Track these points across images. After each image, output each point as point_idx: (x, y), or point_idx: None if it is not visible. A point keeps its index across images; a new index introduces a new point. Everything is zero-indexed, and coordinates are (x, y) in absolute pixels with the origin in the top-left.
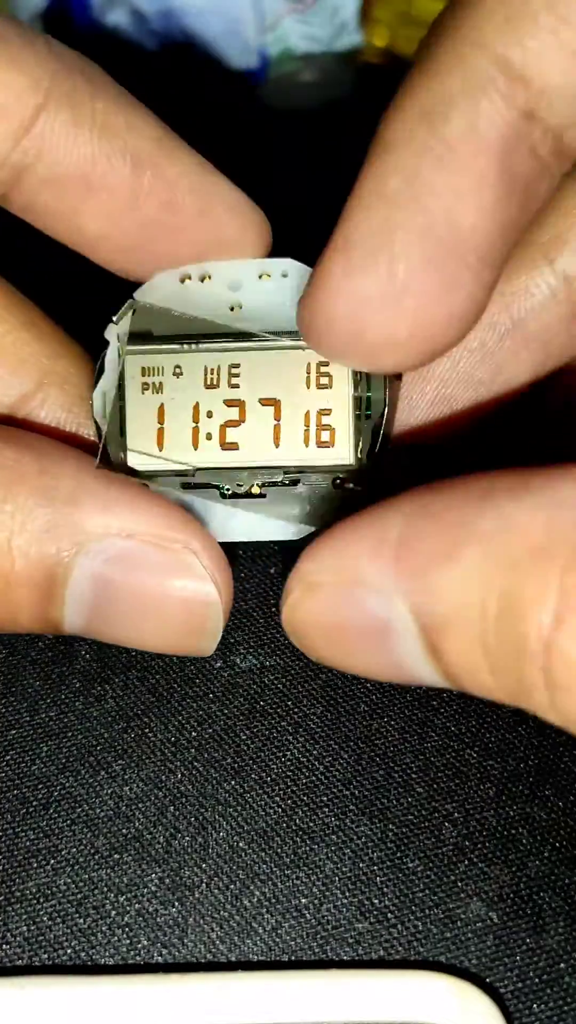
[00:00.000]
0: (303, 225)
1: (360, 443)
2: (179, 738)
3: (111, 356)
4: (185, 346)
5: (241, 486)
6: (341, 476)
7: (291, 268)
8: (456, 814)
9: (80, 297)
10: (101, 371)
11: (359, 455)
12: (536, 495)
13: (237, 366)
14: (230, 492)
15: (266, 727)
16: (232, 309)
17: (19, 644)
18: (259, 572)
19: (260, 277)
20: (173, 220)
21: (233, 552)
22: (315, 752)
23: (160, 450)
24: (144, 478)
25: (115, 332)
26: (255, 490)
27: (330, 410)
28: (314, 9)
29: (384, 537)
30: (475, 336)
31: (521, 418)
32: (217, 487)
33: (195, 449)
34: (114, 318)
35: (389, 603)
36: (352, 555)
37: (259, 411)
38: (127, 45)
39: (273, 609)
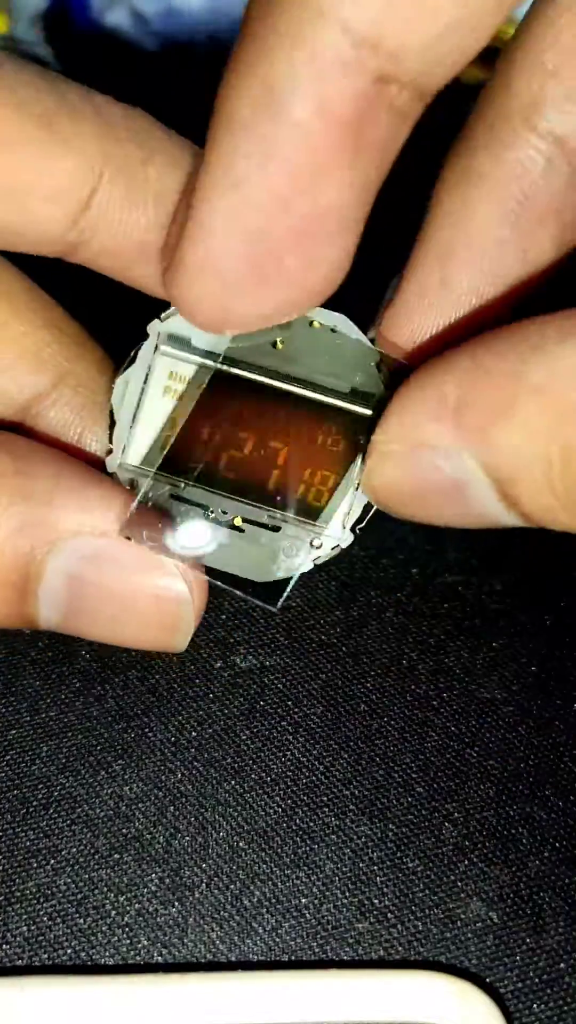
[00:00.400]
0: None
1: (348, 514)
2: (179, 738)
3: (146, 350)
4: (217, 363)
5: (225, 514)
6: (323, 544)
7: (341, 324)
8: (456, 814)
9: (107, 299)
10: (132, 361)
11: (344, 524)
12: None
13: (259, 401)
14: (213, 517)
15: (266, 727)
16: (275, 345)
17: (19, 644)
18: None
19: (310, 324)
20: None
21: None
22: (315, 752)
23: (160, 454)
24: (138, 476)
25: (157, 329)
26: (237, 522)
27: (331, 474)
28: None
29: (443, 399)
30: (489, 232)
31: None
32: (204, 508)
33: (193, 465)
34: (162, 315)
35: (459, 461)
36: (415, 422)
37: (265, 451)
38: (127, 45)
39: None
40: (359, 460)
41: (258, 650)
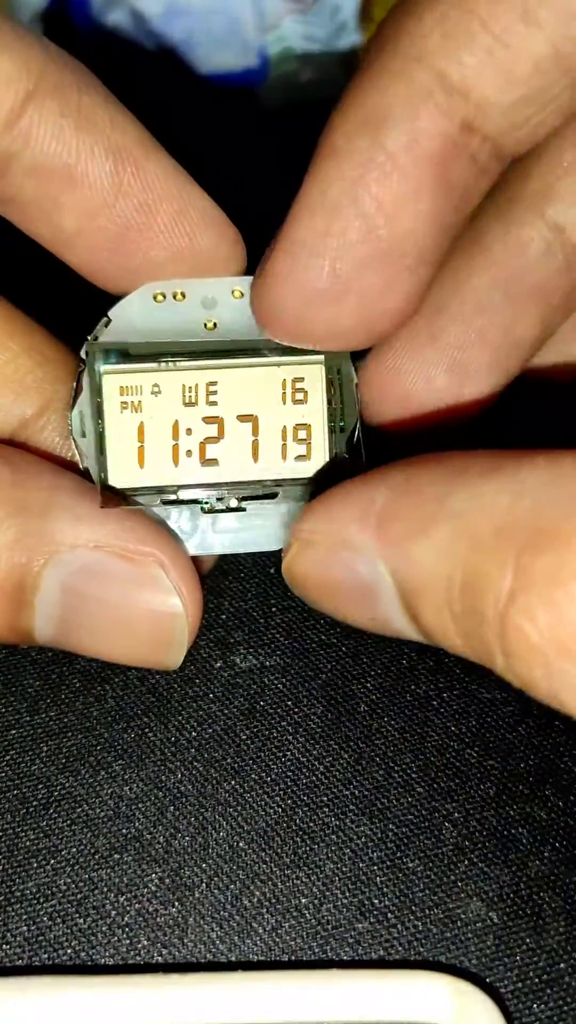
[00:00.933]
0: None
1: (335, 455)
2: (179, 738)
3: (88, 376)
4: (162, 364)
5: (221, 500)
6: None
7: None
8: (456, 814)
9: (69, 310)
10: (79, 391)
11: (334, 464)
12: (503, 479)
13: (214, 383)
14: (210, 507)
15: (266, 727)
16: (207, 326)
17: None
18: (259, 572)
19: (234, 294)
20: (149, 222)
21: (228, 556)
22: (315, 752)
23: (141, 467)
24: (126, 495)
25: (92, 350)
26: (234, 504)
27: (306, 424)
28: (314, 9)
29: (369, 507)
30: (484, 296)
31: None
32: (198, 502)
33: (175, 466)
34: (89, 336)
35: (373, 566)
36: (341, 521)
37: (237, 427)
38: (127, 45)
39: (273, 609)
40: (329, 402)
41: (258, 650)
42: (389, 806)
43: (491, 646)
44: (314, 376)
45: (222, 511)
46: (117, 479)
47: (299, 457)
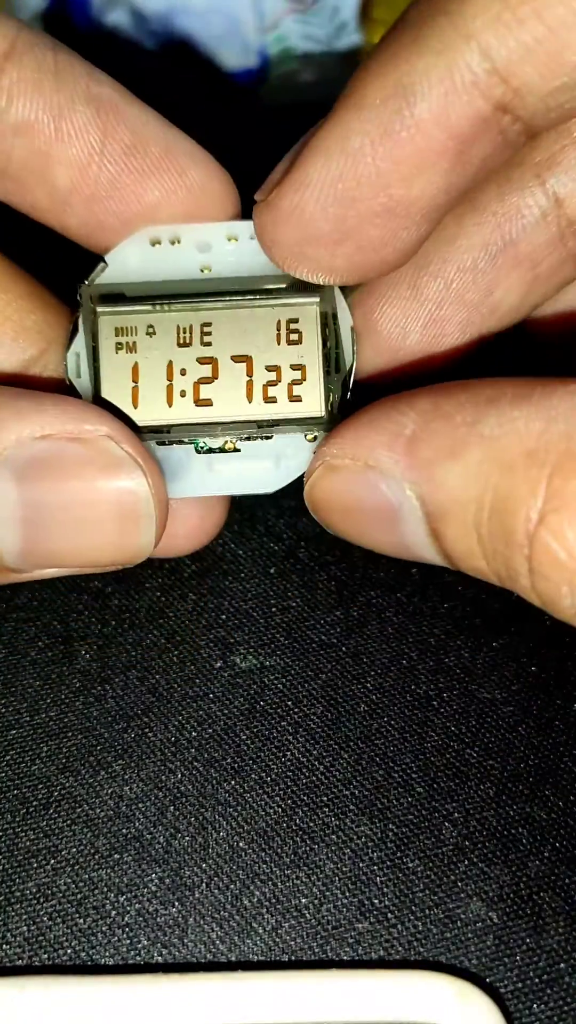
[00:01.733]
0: None
1: (330, 396)
2: (179, 738)
3: (84, 317)
4: (157, 306)
5: (216, 440)
6: (316, 434)
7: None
8: (456, 814)
9: (63, 269)
10: (75, 332)
11: (329, 407)
12: (535, 405)
13: (209, 324)
14: (205, 448)
15: (266, 727)
16: (202, 271)
17: (19, 644)
18: (259, 572)
19: (228, 239)
20: (139, 163)
21: (234, 552)
22: (315, 752)
23: (135, 408)
24: None
25: (88, 293)
26: (229, 445)
27: (300, 365)
28: (314, 9)
29: (399, 431)
30: (468, 256)
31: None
32: (192, 443)
33: (170, 406)
34: (86, 280)
35: (399, 489)
36: (369, 445)
37: (231, 367)
38: (127, 45)
39: (273, 609)
40: (323, 343)
41: (258, 650)
42: (389, 806)
43: (516, 567)
44: (309, 317)
45: (217, 451)
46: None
47: (294, 398)
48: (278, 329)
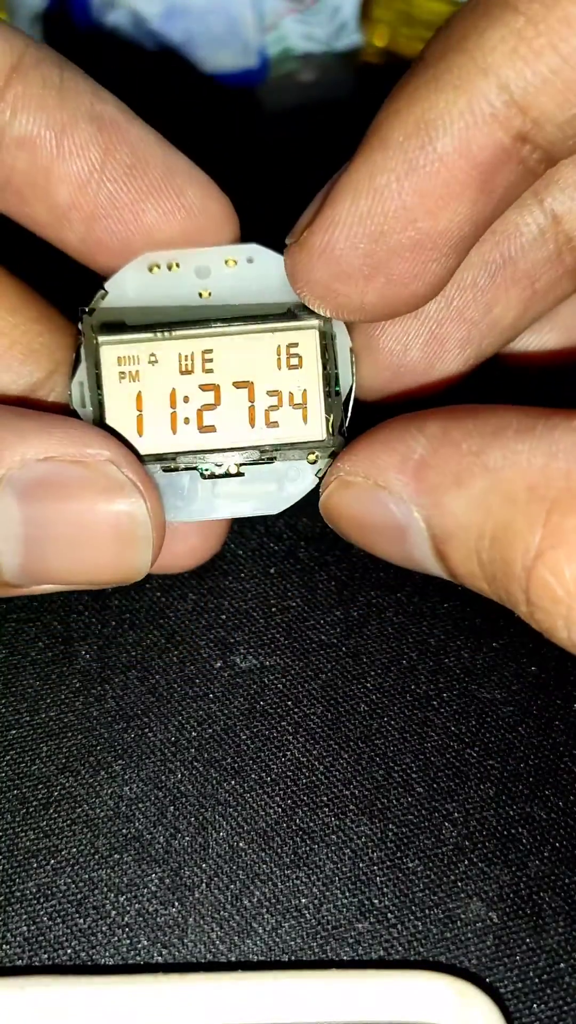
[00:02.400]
0: None
1: (331, 419)
2: (179, 738)
3: (86, 348)
4: (158, 334)
5: (220, 466)
6: (318, 456)
7: (256, 253)
8: (456, 814)
9: (65, 291)
10: (78, 362)
11: (330, 430)
12: (539, 439)
13: (210, 351)
14: (209, 473)
15: (266, 727)
16: (201, 295)
17: (19, 644)
18: (259, 572)
19: (227, 263)
20: (138, 183)
21: (234, 552)
22: (315, 752)
23: (140, 435)
24: None
25: (89, 323)
26: (233, 470)
27: (301, 389)
28: (314, 9)
29: (409, 455)
30: (468, 274)
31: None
32: (197, 469)
33: (174, 434)
34: (86, 308)
35: (407, 510)
36: (381, 465)
37: (233, 394)
38: (127, 45)
39: (273, 609)
40: (323, 366)
41: (258, 650)
42: (389, 806)
43: (515, 595)
44: (308, 342)
45: (221, 476)
46: None
47: (295, 422)
48: (278, 354)
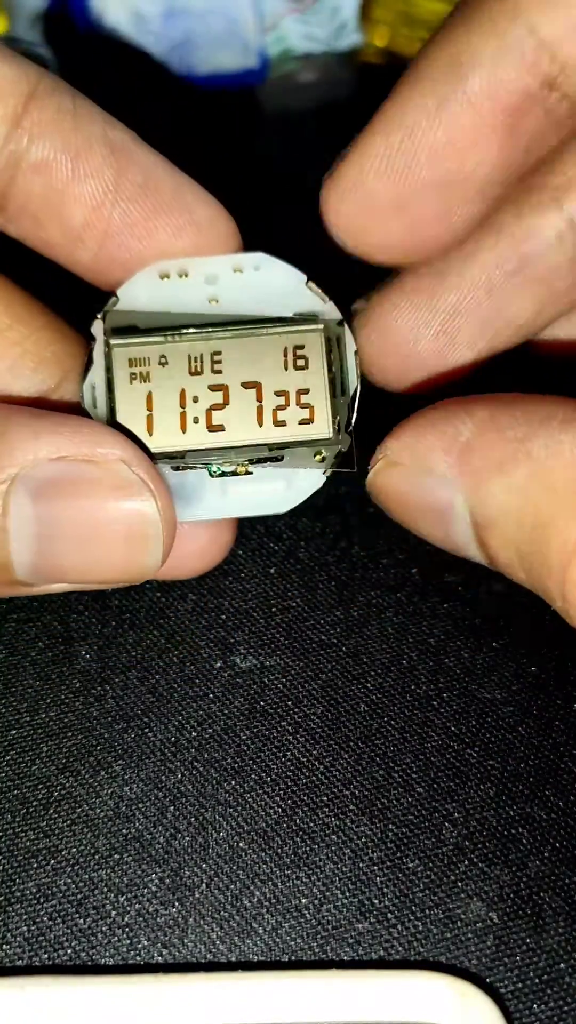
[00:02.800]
0: (302, 224)
1: (338, 418)
2: (179, 738)
3: (98, 351)
4: (168, 337)
5: (229, 465)
6: (325, 454)
7: (263, 261)
8: (456, 814)
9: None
10: (90, 364)
11: (336, 428)
12: None
13: (219, 353)
14: (219, 472)
15: (266, 727)
16: (211, 302)
17: (19, 644)
18: (259, 572)
19: (235, 271)
20: (150, 202)
21: (234, 552)
22: (315, 752)
23: (150, 435)
24: None
25: (101, 327)
26: (242, 469)
27: (308, 389)
28: (314, 9)
29: (456, 437)
30: (483, 273)
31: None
32: (206, 468)
33: (183, 433)
34: (99, 314)
35: (451, 493)
36: (427, 446)
37: (242, 394)
38: (127, 45)
39: (273, 609)
40: (329, 368)
41: (258, 650)
42: (389, 806)
43: (551, 591)
44: (314, 343)
45: (230, 475)
46: None
47: (303, 421)
48: (285, 355)
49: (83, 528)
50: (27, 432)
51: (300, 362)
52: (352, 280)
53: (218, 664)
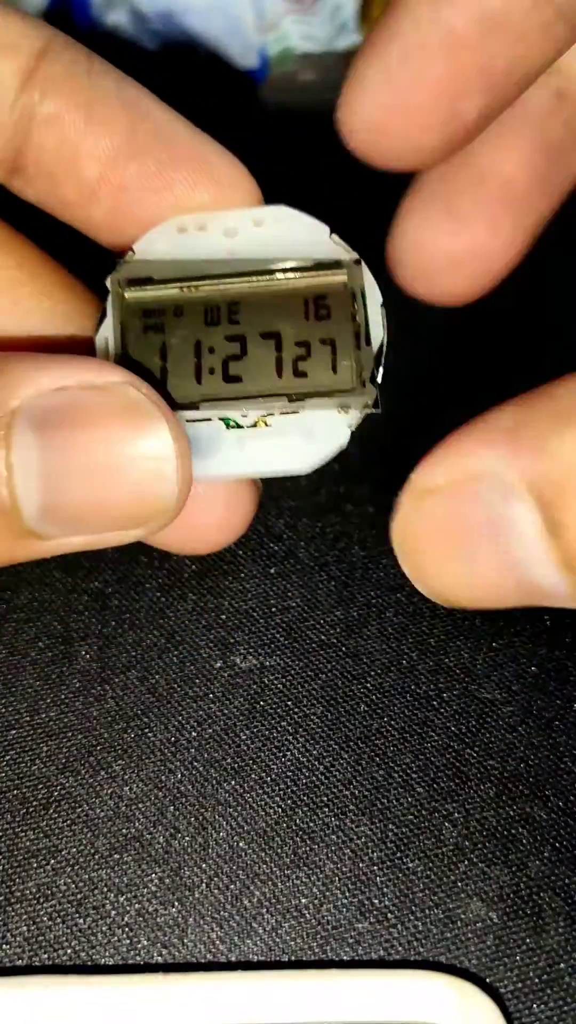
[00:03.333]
0: None
1: (362, 369)
2: (179, 738)
3: (112, 302)
4: (184, 288)
5: (246, 417)
6: (351, 407)
7: (283, 214)
8: (456, 814)
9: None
10: (104, 316)
11: (360, 380)
12: None
13: (236, 303)
14: (235, 424)
15: (266, 727)
16: (229, 254)
17: (19, 644)
18: (259, 572)
19: (255, 225)
20: (166, 155)
21: (234, 552)
22: (315, 752)
23: (164, 386)
24: None
25: (115, 279)
26: (260, 422)
27: (330, 339)
28: (314, 9)
29: (496, 427)
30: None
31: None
32: (223, 420)
33: (199, 383)
34: (115, 269)
35: (506, 492)
36: (465, 451)
37: (260, 344)
38: (127, 45)
39: (273, 609)
40: (353, 317)
41: (258, 650)
42: (389, 806)
43: None
44: (337, 292)
45: (248, 427)
46: None
47: (324, 371)
48: (306, 305)
49: (92, 459)
50: (28, 364)
51: (322, 311)
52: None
53: (218, 664)
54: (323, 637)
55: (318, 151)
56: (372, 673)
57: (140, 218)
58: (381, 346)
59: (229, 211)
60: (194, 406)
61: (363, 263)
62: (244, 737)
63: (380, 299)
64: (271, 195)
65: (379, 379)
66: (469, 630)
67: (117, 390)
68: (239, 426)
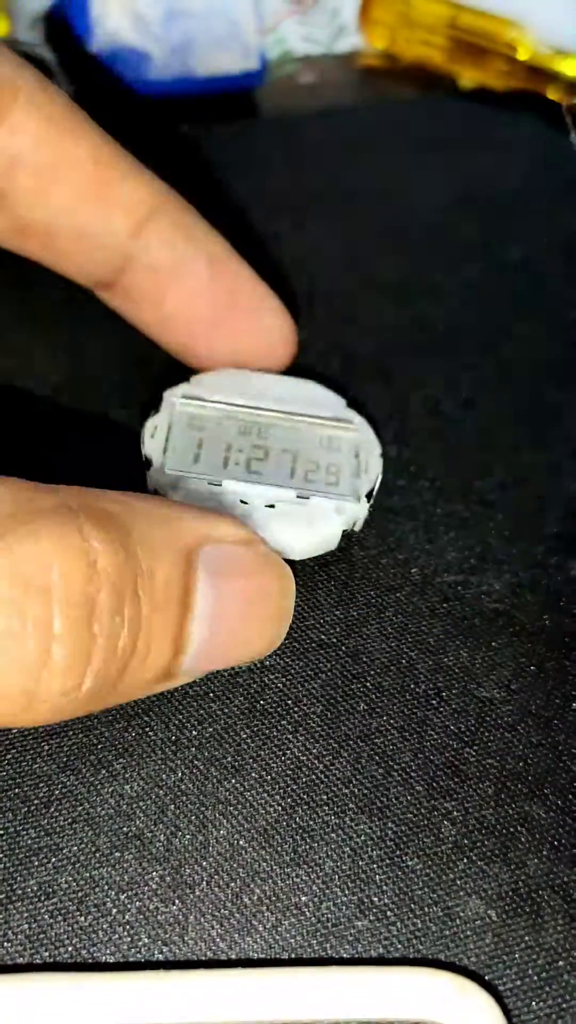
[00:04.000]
0: (302, 225)
1: (359, 489)
2: (179, 737)
3: (166, 403)
4: (228, 407)
5: (259, 499)
6: (345, 513)
7: (312, 387)
8: (455, 812)
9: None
10: (156, 411)
11: (357, 496)
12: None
13: (267, 427)
14: (248, 503)
15: (266, 726)
16: (267, 399)
17: None
18: None
19: (291, 385)
20: (234, 305)
21: None
22: (315, 751)
23: (195, 463)
24: (180, 477)
25: (171, 394)
26: (269, 505)
27: (337, 464)
28: (314, 11)
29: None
30: None
31: None
32: (239, 497)
33: (224, 468)
34: (174, 389)
35: None
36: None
37: (280, 455)
38: (127, 47)
39: None
40: (356, 456)
41: None
42: (388, 805)
43: None
44: (347, 440)
45: (257, 507)
46: (173, 466)
47: (329, 483)
48: (321, 442)
49: (247, 602)
50: (195, 515)
51: (334, 447)
52: (347, 272)
53: None
54: (323, 636)
55: (318, 152)
56: (371, 672)
57: (200, 353)
58: (374, 485)
59: (270, 375)
60: (217, 483)
61: (368, 424)
62: (244, 736)
63: (379, 451)
64: (271, 196)
65: (371, 499)
66: (469, 630)
67: (261, 547)
68: (252, 505)
